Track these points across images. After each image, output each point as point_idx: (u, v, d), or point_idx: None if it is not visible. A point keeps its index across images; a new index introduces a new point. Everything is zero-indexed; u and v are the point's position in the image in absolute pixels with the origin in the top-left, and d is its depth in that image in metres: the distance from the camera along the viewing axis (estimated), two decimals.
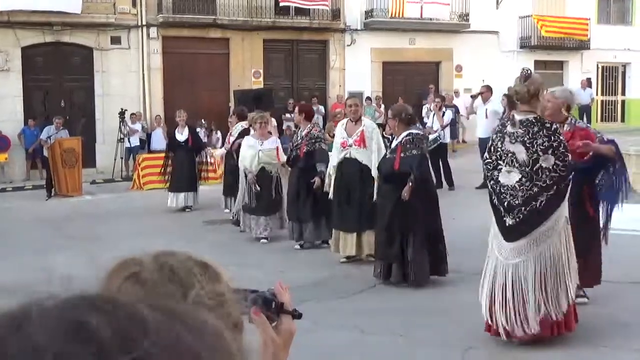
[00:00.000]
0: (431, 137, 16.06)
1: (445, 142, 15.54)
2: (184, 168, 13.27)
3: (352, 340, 5.99)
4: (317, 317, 6.53)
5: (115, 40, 22.11)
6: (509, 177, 5.49)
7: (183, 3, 22.62)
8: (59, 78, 21.67)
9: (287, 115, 23.39)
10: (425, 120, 23.74)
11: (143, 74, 22.39)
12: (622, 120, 29.55)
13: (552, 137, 5.45)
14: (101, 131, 21.63)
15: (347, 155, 8.74)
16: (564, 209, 5.50)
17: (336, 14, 24.39)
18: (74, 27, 21.35)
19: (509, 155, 5.52)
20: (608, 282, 6.63)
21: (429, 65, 26.55)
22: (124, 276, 0.89)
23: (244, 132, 11.46)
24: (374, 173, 8.40)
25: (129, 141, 19.52)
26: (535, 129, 5.47)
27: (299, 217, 9.66)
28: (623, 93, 30.16)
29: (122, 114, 19.38)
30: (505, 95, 15.35)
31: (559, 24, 27.35)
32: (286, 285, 0.85)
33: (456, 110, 19.02)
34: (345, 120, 9.08)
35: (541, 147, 5.43)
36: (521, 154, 5.47)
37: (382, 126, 23.70)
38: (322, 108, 22.81)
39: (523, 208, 5.43)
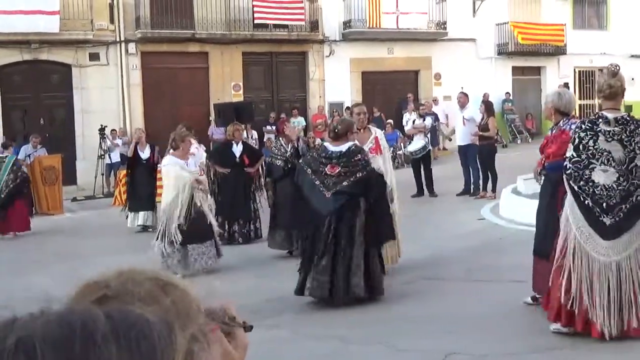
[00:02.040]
0: (419, 145, 15.88)
1: (428, 149, 15.59)
2: (144, 186, 13.13)
3: (332, 349, 6.00)
4: (297, 326, 6.56)
5: (94, 57, 22.07)
6: (605, 176, 5.41)
7: (161, 18, 22.62)
8: (38, 96, 21.60)
9: (268, 127, 23.43)
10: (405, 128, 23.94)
11: (122, 90, 22.35)
12: None
13: None
14: (81, 148, 21.56)
15: None
16: None
17: (314, 25, 24.49)
18: (52, 45, 21.30)
19: (604, 154, 5.43)
20: None
21: (408, 74, 26.69)
22: (89, 300, 0.89)
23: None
24: (390, 181, 8.19)
25: (109, 157, 19.46)
26: (632, 127, 5.47)
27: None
28: None
29: (102, 130, 19.33)
30: (483, 101, 15.50)
31: (535, 30, 27.61)
32: (231, 300, 0.88)
33: (436, 118, 19.09)
34: None
35: (638, 145, 5.44)
36: (618, 152, 5.42)
37: None
38: (302, 120, 22.85)
39: (623, 206, 5.42)
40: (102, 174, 19.34)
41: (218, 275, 8.83)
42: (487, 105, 15.15)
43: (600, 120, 5.51)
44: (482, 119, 14.59)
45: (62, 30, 20.85)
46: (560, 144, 6.56)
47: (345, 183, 7.17)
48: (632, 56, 29.97)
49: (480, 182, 14.69)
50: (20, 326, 0.72)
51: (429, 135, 15.96)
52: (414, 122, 16.48)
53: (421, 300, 7.40)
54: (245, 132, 20.68)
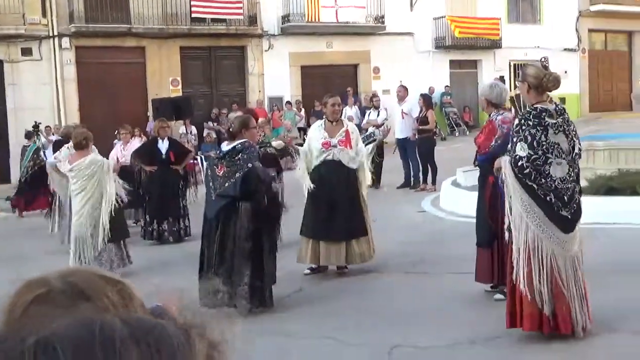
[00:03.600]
0: (362, 135, 16.11)
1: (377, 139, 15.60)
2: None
3: (279, 345, 5.99)
4: (246, 323, 6.51)
5: (26, 52, 21.54)
6: (560, 169, 5.43)
7: (96, 12, 22.19)
8: None
9: (210, 123, 23.24)
10: (353, 121, 23.99)
11: (57, 86, 21.86)
12: None
13: (572, 123, 5.62)
14: (15, 146, 21.00)
15: (330, 157, 8.07)
16: None
17: (253, 19, 24.36)
18: None
19: (556, 146, 5.43)
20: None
21: (347, 67, 26.79)
22: (29, 299, 0.86)
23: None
24: (363, 177, 8.12)
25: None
26: (566, 116, 5.56)
27: None
28: None
29: (36, 127, 18.83)
30: (422, 95, 15.64)
31: (472, 24, 28.03)
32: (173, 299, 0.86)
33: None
34: (320, 122, 8.51)
35: (573, 132, 5.55)
36: (564, 143, 5.47)
37: (303, 130, 23.84)
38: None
39: (576, 198, 5.52)
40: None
41: (151, 273, 8.71)
42: (426, 99, 15.27)
43: (544, 113, 5.51)
44: (421, 112, 14.73)
45: None
46: (488, 133, 6.73)
47: (226, 184, 6.80)
48: (565, 49, 30.70)
49: (420, 174, 14.84)
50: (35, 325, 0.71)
51: (382, 128, 15.92)
52: (369, 115, 16.58)
53: (365, 293, 7.43)
54: (184, 128, 20.46)
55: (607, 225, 9.44)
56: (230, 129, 7.17)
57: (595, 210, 9.55)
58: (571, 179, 5.49)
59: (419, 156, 14.77)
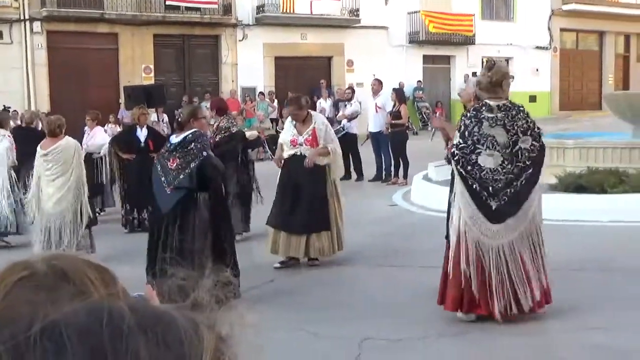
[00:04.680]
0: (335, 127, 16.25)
1: (353, 133, 15.59)
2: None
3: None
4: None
5: None
6: (491, 160, 5.63)
7: None
8: None
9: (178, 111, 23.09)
10: (326, 113, 23.99)
11: (27, 70, 21.57)
12: None
13: (528, 120, 5.74)
14: None
15: (297, 153, 8.10)
16: (540, 190, 5.75)
17: (227, 8, 24.24)
18: None
19: (489, 138, 5.66)
20: None
21: (321, 60, 26.80)
22: (12, 280, 0.86)
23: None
24: (334, 170, 8.08)
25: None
26: (514, 112, 5.72)
27: None
28: None
29: (6, 110, 18.59)
30: (394, 89, 15.69)
31: (446, 20, 28.18)
32: (154, 290, 0.86)
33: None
34: None
35: (521, 129, 5.66)
36: (502, 137, 5.64)
37: (275, 121, 23.80)
38: None
39: (508, 190, 5.63)
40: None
41: (130, 261, 8.65)
42: (398, 93, 15.32)
43: (484, 108, 5.81)
44: (394, 107, 14.78)
45: None
46: None
47: (181, 176, 6.60)
48: (537, 47, 31.00)
49: (392, 168, 14.91)
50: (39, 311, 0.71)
51: (354, 121, 15.92)
52: (343, 108, 16.61)
53: (336, 286, 7.46)
54: (156, 115, 20.29)
55: (576, 222, 9.56)
56: (179, 119, 7.02)
57: (564, 207, 9.69)
58: (504, 171, 5.65)
59: (391, 150, 14.83)
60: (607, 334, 5.62)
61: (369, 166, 15.35)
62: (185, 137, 6.71)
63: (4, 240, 9.93)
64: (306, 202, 8.02)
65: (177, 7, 23.43)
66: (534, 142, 5.68)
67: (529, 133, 5.70)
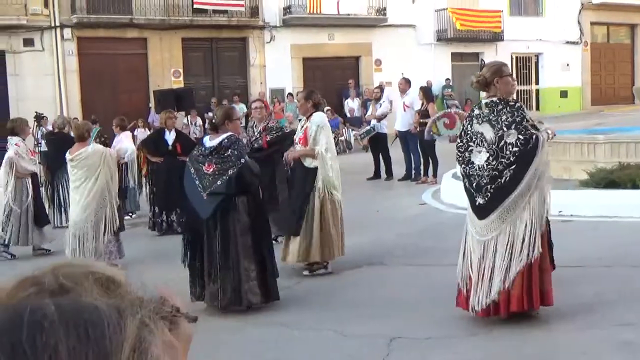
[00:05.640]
0: (363, 129, 16.38)
1: (384, 133, 15.57)
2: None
3: (278, 336, 6.02)
4: (244, 315, 6.55)
5: (28, 43, 21.55)
6: (480, 157, 5.71)
7: (98, 3, 22.20)
8: None
9: (210, 114, 23.24)
10: (355, 113, 24.00)
11: (59, 77, 21.87)
12: (537, 108, 30.44)
13: (515, 113, 5.70)
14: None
15: None
16: (531, 183, 5.62)
17: (254, 11, 24.35)
18: None
19: (479, 135, 5.74)
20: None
21: (349, 60, 26.79)
22: (21, 298, 0.87)
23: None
24: (321, 174, 7.73)
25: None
26: (500, 107, 5.74)
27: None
28: (537, 82, 31.07)
29: (38, 117, 18.85)
30: (421, 88, 15.62)
31: (473, 17, 28.01)
32: (171, 289, 0.86)
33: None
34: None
35: (505, 123, 5.66)
36: (488, 132, 5.69)
37: None
38: (243, 106, 22.72)
39: (489, 186, 5.65)
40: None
41: (158, 264, 8.74)
42: (426, 92, 15.25)
43: (476, 106, 5.98)
44: (422, 105, 14.73)
45: None
46: None
47: (219, 182, 6.55)
48: (567, 42, 30.67)
49: (422, 167, 14.86)
50: None
51: (384, 121, 15.88)
52: (370, 107, 16.64)
53: (365, 285, 7.46)
54: (186, 119, 20.45)
55: (607, 218, 9.45)
56: (213, 121, 6.97)
57: (595, 203, 9.59)
58: (489, 167, 5.66)
59: (420, 149, 14.78)
60: (637, 330, 5.56)
61: (399, 165, 15.32)
62: (221, 142, 6.65)
63: (43, 249, 9.96)
64: (291, 204, 8.01)
65: (205, 11, 23.58)
66: (519, 136, 5.62)
67: (513, 127, 5.64)
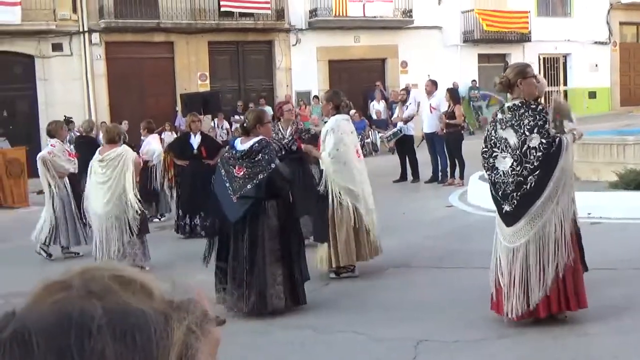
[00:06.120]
0: (390, 132, 16.36)
1: (410, 135, 15.52)
2: None
3: (304, 338, 6.01)
4: (270, 318, 6.55)
5: (57, 48, 21.79)
6: (504, 162, 5.65)
7: (125, 8, 22.38)
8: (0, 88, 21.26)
9: (236, 117, 23.33)
10: (379, 115, 23.95)
11: (87, 81, 22.09)
12: None
13: (537, 117, 5.61)
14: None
15: None
16: (557, 187, 5.56)
17: (280, 14, 24.40)
18: (14, 36, 20.97)
19: (503, 141, 5.67)
20: None
21: (375, 62, 26.75)
22: (47, 303, 0.87)
23: None
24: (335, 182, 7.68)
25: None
26: (522, 111, 5.65)
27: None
28: (565, 83, 30.78)
29: (67, 121, 19.07)
30: (448, 89, 15.55)
31: (500, 17, 27.82)
32: (204, 293, 0.86)
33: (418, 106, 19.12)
34: None
35: (527, 127, 5.58)
36: (512, 138, 5.62)
37: None
38: (270, 109, 22.76)
39: (515, 194, 5.58)
40: None
41: (183, 267, 8.77)
42: (452, 93, 15.18)
43: (499, 111, 5.87)
44: (448, 107, 14.67)
45: (24, 20, 20.53)
46: None
47: (249, 186, 6.55)
48: (596, 42, 30.36)
49: (448, 169, 14.79)
50: (18, 318, 0.72)
51: (410, 123, 15.82)
52: (396, 109, 16.62)
53: (392, 288, 7.43)
54: (213, 122, 20.53)
55: (638, 220, 9.33)
56: (244, 125, 6.98)
57: (625, 205, 9.47)
58: (513, 173, 5.59)
59: (447, 151, 14.72)
60: None
61: (425, 167, 15.27)
62: (252, 146, 6.64)
63: (70, 252, 10.10)
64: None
65: (231, 14, 23.68)
66: (542, 140, 5.54)
67: (535, 130, 5.56)
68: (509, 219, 5.66)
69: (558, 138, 5.58)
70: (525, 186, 5.57)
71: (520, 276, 5.59)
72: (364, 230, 7.77)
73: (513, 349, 5.50)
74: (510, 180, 5.61)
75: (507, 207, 5.65)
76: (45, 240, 9.86)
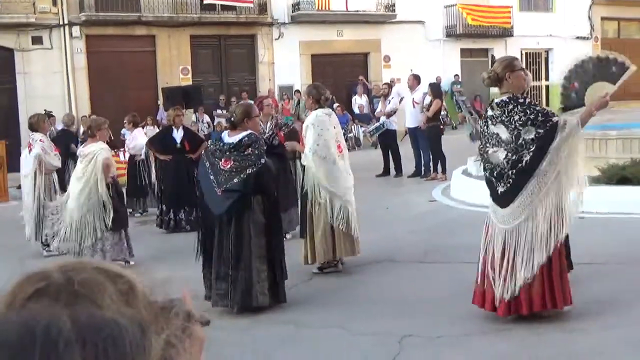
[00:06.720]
0: (372, 126, 16.36)
1: (393, 129, 15.49)
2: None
3: (287, 334, 5.96)
4: (252, 314, 6.49)
5: (37, 41, 21.55)
6: (497, 156, 5.68)
7: (106, 1, 22.17)
8: None
9: (219, 111, 23.22)
10: (362, 110, 23.93)
11: (67, 74, 21.87)
12: (547, 104, 30.25)
13: (527, 111, 5.60)
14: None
15: None
16: (553, 162, 5.52)
17: (263, 7, 24.29)
18: None
19: (495, 136, 5.71)
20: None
21: (358, 56, 26.71)
22: (28, 293, 0.82)
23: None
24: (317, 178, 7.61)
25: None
26: (510, 107, 5.64)
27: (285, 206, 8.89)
28: (547, 78, 30.89)
29: (48, 116, 18.86)
30: (430, 84, 15.56)
31: (483, 12, 27.86)
32: (189, 292, 0.81)
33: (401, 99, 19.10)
34: None
35: (518, 122, 5.59)
36: (504, 133, 5.65)
37: None
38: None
39: (511, 172, 5.60)
40: None
41: (167, 262, 8.70)
42: (434, 88, 15.19)
43: (489, 107, 5.91)
44: (430, 102, 14.70)
45: (3, 13, 20.29)
46: None
47: (235, 180, 6.43)
48: (577, 38, 30.49)
49: (431, 163, 14.80)
50: None
51: (393, 117, 15.78)
52: (378, 104, 16.61)
53: (375, 283, 7.40)
54: (195, 116, 20.41)
55: (620, 214, 9.37)
56: (232, 119, 6.89)
57: (607, 199, 9.49)
58: (506, 159, 5.63)
59: (428, 145, 14.74)
60: None
61: (408, 162, 15.26)
62: (241, 139, 6.55)
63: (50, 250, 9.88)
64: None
65: (213, 8, 23.53)
66: (538, 130, 5.54)
67: (529, 124, 5.57)
68: (504, 199, 5.67)
69: (552, 122, 5.54)
70: (520, 164, 5.58)
71: (513, 260, 5.58)
72: (339, 228, 7.65)
73: (498, 345, 5.48)
74: (506, 164, 5.62)
75: (501, 188, 5.67)
76: (42, 241, 9.63)
